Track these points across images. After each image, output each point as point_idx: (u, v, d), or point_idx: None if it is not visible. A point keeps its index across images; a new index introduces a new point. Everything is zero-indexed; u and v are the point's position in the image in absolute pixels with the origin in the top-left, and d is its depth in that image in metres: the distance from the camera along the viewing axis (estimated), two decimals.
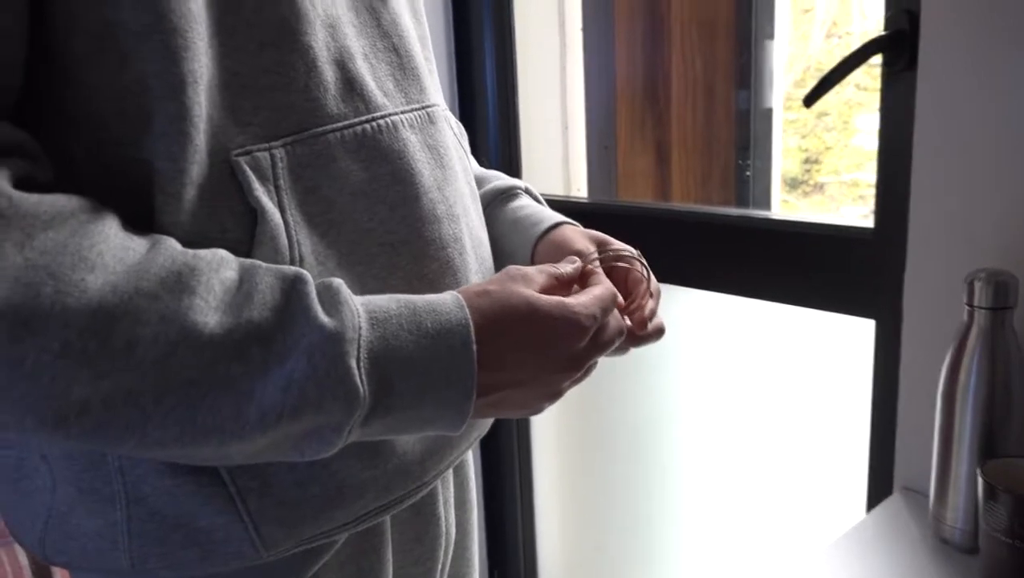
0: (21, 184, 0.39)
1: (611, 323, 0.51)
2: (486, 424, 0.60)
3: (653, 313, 0.58)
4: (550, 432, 1.31)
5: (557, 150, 1.22)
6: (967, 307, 0.64)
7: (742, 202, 1.14)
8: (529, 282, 0.49)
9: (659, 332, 0.58)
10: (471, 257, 0.56)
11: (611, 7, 1.16)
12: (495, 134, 1.17)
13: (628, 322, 0.56)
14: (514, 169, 1.18)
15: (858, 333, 0.87)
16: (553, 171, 1.23)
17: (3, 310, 0.36)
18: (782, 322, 1.00)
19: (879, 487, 0.83)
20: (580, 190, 1.23)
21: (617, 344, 0.52)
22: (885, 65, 0.78)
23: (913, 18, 0.73)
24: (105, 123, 0.43)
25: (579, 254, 0.57)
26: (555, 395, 0.50)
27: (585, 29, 1.19)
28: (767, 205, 1.13)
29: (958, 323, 0.65)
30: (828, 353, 0.97)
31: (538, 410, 0.51)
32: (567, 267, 0.53)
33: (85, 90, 0.42)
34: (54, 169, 0.42)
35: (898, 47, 0.76)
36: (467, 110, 1.19)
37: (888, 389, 0.79)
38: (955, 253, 0.70)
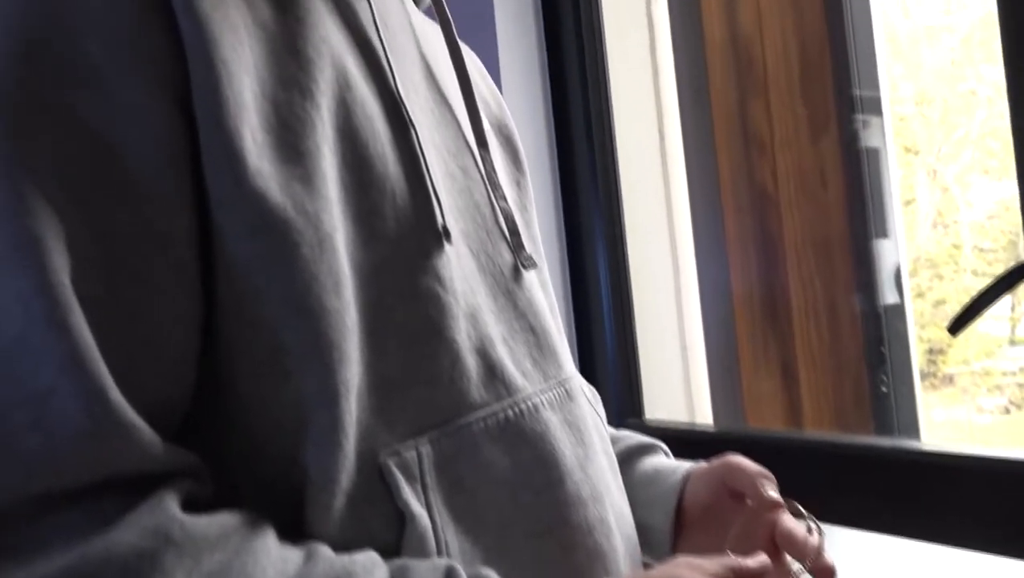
0: (187, 505, 0.40)
1: None
2: None
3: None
4: None
5: (678, 375, 1.20)
6: None
7: (881, 421, 1.07)
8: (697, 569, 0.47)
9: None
10: (618, 539, 0.53)
11: (722, 231, 1.18)
12: (613, 361, 1.16)
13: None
14: (635, 397, 1.16)
15: None
16: (675, 397, 1.20)
17: None
18: (949, 566, 0.89)
19: None
20: (704, 417, 1.19)
21: None
22: None
23: None
24: (260, 434, 0.44)
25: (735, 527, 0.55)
26: None
27: (698, 254, 1.21)
28: (912, 424, 1.05)
29: None
30: None
31: None
32: (750, 561, 0.49)
33: (243, 402, 0.43)
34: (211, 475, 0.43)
35: None
36: (584, 339, 1.20)
37: None
38: None
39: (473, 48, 0.67)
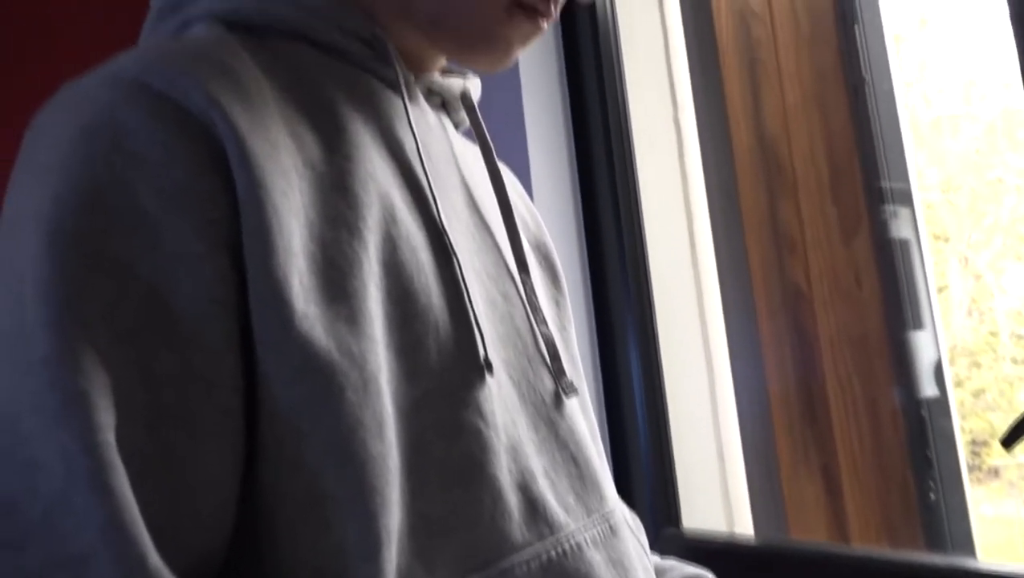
0: None
1: None
2: None
3: None
4: None
5: (715, 482, 1.16)
6: None
7: (931, 530, 1.02)
8: None
9: None
10: None
11: (756, 333, 1.16)
12: (649, 469, 1.13)
13: None
14: (671, 505, 1.13)
15: None
16: (713, 505, 1.16)
17: None
18: None
19: None
20: (744, 524, 1.15)
21: None
22: None
23: None
24: None
25: None
26: None
27: (732, 357, 1.19)
28: (965, 536, 1.00)
29: None
30: None
31: None
32: None
33: (281, 551, 0.42)
34: None
35: None
36: (618, 446, 1.17)
37: None
38: None
39: (503, 158, 0.68)
